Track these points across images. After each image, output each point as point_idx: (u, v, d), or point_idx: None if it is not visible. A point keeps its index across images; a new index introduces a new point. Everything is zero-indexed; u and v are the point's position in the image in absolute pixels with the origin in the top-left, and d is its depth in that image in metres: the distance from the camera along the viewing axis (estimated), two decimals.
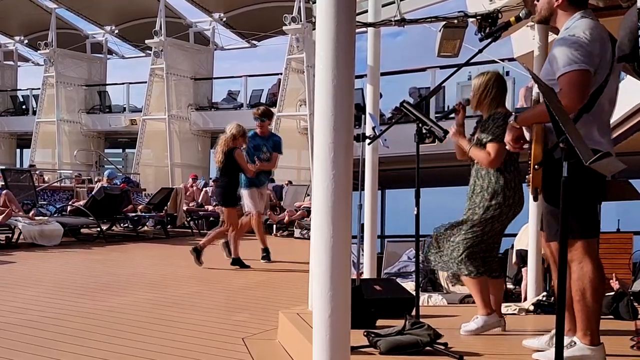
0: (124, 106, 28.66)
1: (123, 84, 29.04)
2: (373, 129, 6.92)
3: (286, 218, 14.94)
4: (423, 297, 8.12)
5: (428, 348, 4.48)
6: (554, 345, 3.07)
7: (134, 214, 14.30)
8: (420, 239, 5.53)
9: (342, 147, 3.00)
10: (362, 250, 8.28)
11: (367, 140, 6.96)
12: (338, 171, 2.99)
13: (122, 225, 15.35)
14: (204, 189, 17.43)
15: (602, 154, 2.77)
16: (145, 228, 15.37)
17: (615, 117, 9.78)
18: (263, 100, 24.58)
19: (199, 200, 16.96)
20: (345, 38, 3.01)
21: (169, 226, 14.92)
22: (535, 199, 4.11)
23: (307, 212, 13.74)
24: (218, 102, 26.66)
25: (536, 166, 3.81)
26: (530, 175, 3.91)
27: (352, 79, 3.08)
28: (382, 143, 6.78)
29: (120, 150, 31.46)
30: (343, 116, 3.00)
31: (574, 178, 2.89)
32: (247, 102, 24.97)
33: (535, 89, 4.48)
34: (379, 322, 5.72)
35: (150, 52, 26.50)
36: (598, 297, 4.04)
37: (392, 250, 10.60)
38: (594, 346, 3.98)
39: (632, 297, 6.86)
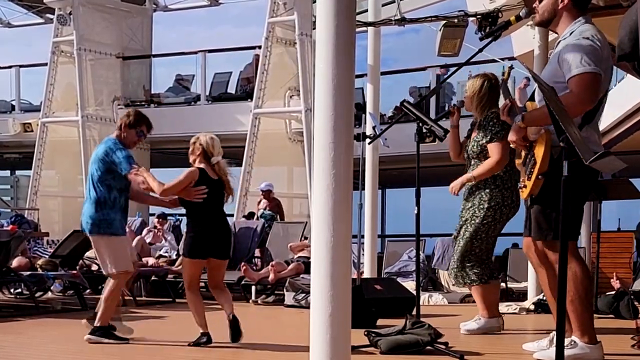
0: (12, 103, 18.68)
1: (9, 67, 18.61)
2: (373, 128, 6.93)
3: (271, 275, 8.80)
4: (424, 296, 8.14)
5: (429, 347, 4.48)
6: (555, 345, 3.07)
7: (30, 273, 8.80)
8: (421, 238, 5.54)
9: (343, 147, 3.00)
10: (363, 249, 8.29)
11: (368, 140, 6.97)
12: (338, 170, 2.99)
13: (11, 290, 9.96)
14: (142, 232, 11.17)
15: (603, 153, 2.77)
16: (50, 295, 9.85)
17: (616, 116, 9.81)
18: (231, 89, 16.68)
19: (134, 250, 10.35)
20: (345, 37, 3.02)
21: (87, 291, 9.15)
22: (530, 206, 4.12)
23: (305, 265, 8.63)
24: (161, 93, 17.53)
25: (540, 176, 3.81)
26: (530, 182, 3.90)
27: (352, 78, 3.09)
28: (383, 142, 6.79)
29: (6, 173, 20.67)
30: (343, 115, 3.01)
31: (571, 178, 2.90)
32: (207, 94, 16.50)
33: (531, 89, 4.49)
34: (380, 322, 5.73)
35: (51, 16, 17.34)
36: (590, 296, 4.09)
37: (393, 250, 10.61)
38: (592, 344, 4.01)
39: (632, 296, 6.87)
